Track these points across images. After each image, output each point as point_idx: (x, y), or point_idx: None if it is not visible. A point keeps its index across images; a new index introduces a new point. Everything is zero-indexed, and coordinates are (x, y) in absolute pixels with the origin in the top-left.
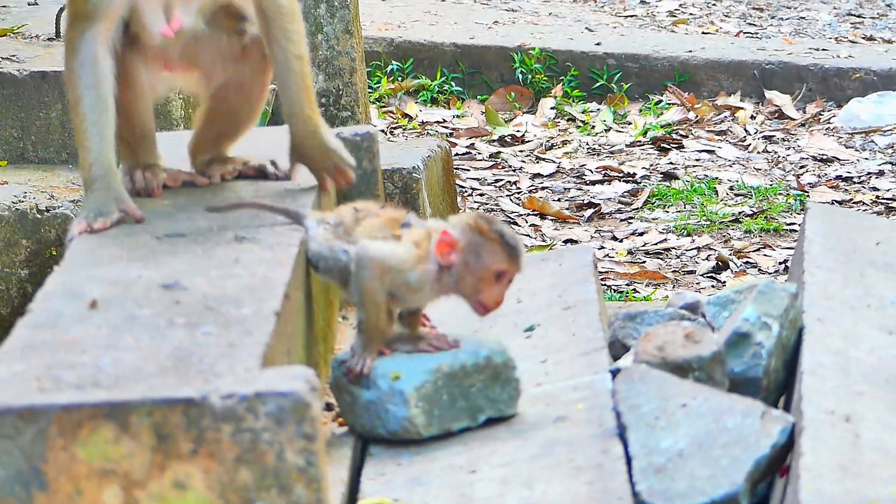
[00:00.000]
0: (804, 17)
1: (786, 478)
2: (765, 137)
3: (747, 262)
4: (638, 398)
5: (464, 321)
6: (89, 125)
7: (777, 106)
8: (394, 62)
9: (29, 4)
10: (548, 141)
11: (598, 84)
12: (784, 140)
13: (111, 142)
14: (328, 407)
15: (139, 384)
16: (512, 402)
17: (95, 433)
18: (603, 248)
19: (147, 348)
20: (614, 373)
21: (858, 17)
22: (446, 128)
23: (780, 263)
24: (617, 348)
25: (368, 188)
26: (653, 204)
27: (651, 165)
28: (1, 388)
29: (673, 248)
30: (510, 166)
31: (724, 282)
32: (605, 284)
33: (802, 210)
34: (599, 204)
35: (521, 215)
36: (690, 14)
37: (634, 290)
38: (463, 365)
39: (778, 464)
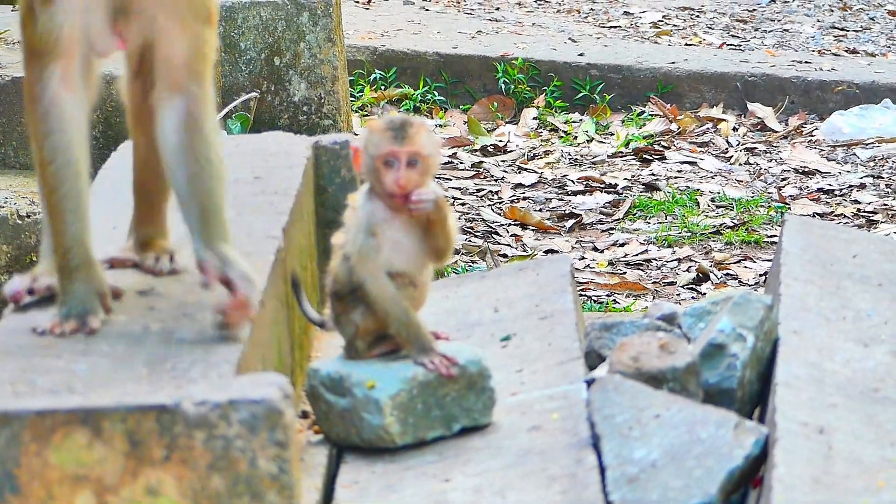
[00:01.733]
0: (787, 30)
1: (759, 489)
2: (747, 149)
3: (727, 274)
4: (612, 408)
5: (438, 329)
6: (62, 199)
7: (759, 118)
8: (377, 71)
9: (12, 10)
10: (530, 151)
11: (580, 95)
12: (766, 152)
13: (87, 219)
14: (304, 414)
15: (113, 390)
16: (487, 411)
17: (69, 438)
18: (584, 258)
19: (122, 354)
20: (589, 383)
21: (842, 30)
22: None
23: (761, 275)
24: (593, 358)
25: (346, 196)
26: (634, 215)
27: (633, 176)
28: None
29: (653, 259)
30: (492, 176)
31: (705, 293)
32: (585, 295)
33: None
34: (581, 214)
35: (503, 225)
36: (674, 25)
37: (615, 300)
38: (438, 374)
39: (751, 475)
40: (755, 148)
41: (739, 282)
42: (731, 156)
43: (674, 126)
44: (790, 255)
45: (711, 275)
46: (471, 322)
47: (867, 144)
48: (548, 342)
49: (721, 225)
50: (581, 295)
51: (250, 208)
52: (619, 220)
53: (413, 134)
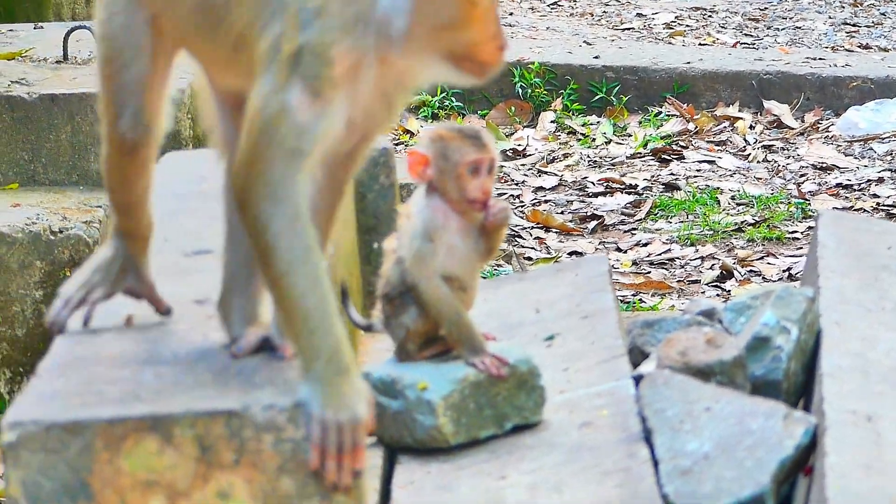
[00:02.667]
0: (800, 27)
1: (810, 477)
2: (764, 147)
3: (751, 271)
4: (662, 402)
5: (483, 330)
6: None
7: (776, 115)
8: None
9: (35, 28)
10: (549, 154)
11: (597, 97)
12: (783, 149)
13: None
14: None
15: (180, 397)
16: (537, 409)
17: (139, 445)
18: (608, 259)
19: (185, 362)
20: (637, 379)
21: (854, 25)
22: None
23: (784, 271)
24: (636, 355)
25: (386, 202)
26: (655, 215)
27: (652, 177)
28: (45, 403)
29: (677, 258)
30: (512, 180)
31: (729, 290)
32: None
33: (804, 218)
34: (603, 216)
35: (526, 228)
36: (687, 26)
37: (640, 300)
38: (488, 374)
39: (801, 464)
40: (772, 145)
41: (763, 278)
42: (749, 154)
43: (691, 126)
44: (827, 249)
45: (735, 272)
46: (513, 323)
47: (884, 139)
48: (590, 341)
49: (742, 222)
50: None
51: None
52: (640, 220)
53: (489, 142)
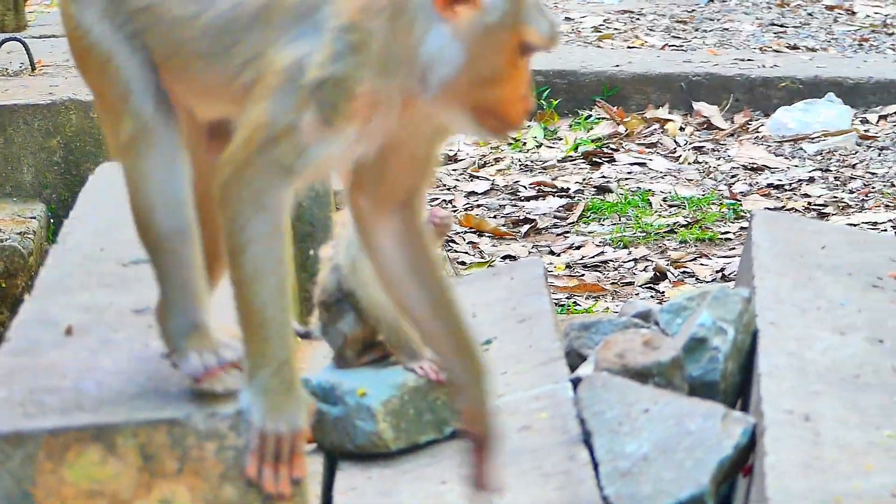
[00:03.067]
0: (728, 29)
1: (749, 477)
2: (695, 148)
3: (684, 272)
4: (601, 405)
5: None
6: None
7: (705, 117)
8: None
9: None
10: (481, 158)
11: None
12: (714, 150)
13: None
14: None
15: (122, 406)
16: None
17: (82, 455)
18: (542, 262)
19: (126, 371)
20: (575, 381)
21: (781, 26)
22: None
23: (717, 272)
24: (573, 358)
25: (322, 209)
26: (588, 218)
27: (584, 180)
28: None
29: (610, 260)
30: (445, 185)
31: (663, 292)
32: None
33: (736, 218)
34: (535, 219)
35: (459, 233)
36: (615, 29)
37: (575, 302)
38: (427, 379)
39: (740, 464)
40: (703, 147)
41: (696, 279)
42: (680, 155)
43: (621, 128)
44: (761, 249)
45: (668, 273)
46: None
47: (813, 138)
48: (528, 344)
49: (675, 224)
50: None
51: None
52: (573, 223)
53: None
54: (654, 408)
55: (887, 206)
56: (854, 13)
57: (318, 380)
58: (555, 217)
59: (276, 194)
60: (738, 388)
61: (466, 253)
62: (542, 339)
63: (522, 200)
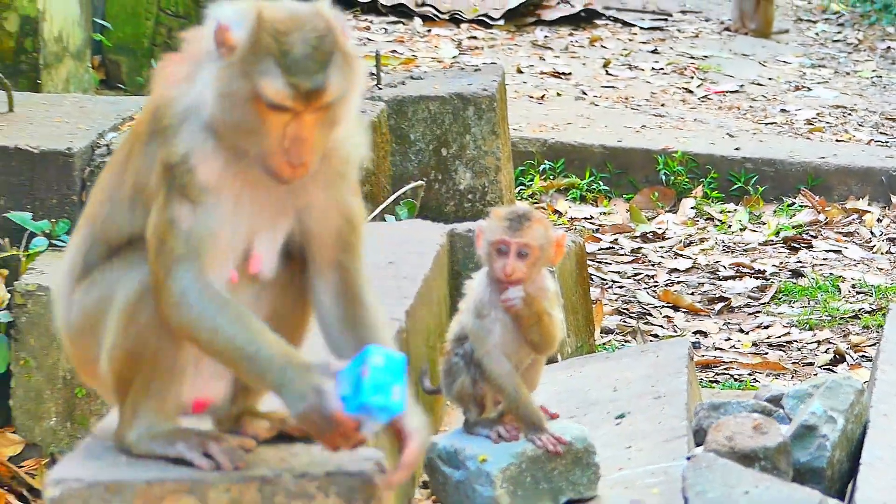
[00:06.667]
0: None
1: None
2: (889, 239)
3: (863, 356)
4: (704, 484)
5: (558, 406)
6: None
7: None
8: (546, 161)
9: None
10: (686, 238)
11: (735, 186)
12: None
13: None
14: (424, 485)
15: None
16: (592, 485)
17: None
18: (729, 339)
19: None
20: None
21: None
22: (593, 224)
23: None
24: (701, 436)
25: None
26: (780, 299)
27: (781, 263)
28: (91, 462)
29: (795, 340)
30: (650, 261)
31: (839, 374)
32: (727, 373)
33: None
34: (730, 298)
35: (656, 307)
36: (826, 122)
37: (755, 379)
38: (546, 450)
39: None
40: None
41: (872, 363)
42: (874, 245)
43: (821, 217)
44: (889, 342)
45: (847, 356)
46: (590, 400)
47: None
48: (658, 421)
49: (860, 310)
50: (723, 373)
51: (381, 291)
52: (765, 303)
53: (528, 227)
54: (755, 491)
55: None
56: None
57: (443, 444)
58: (749, 297)
59: (194, 287)
60: (845, 476)
61: (661, 326)
62: (672, 416)
63: (720, 279)
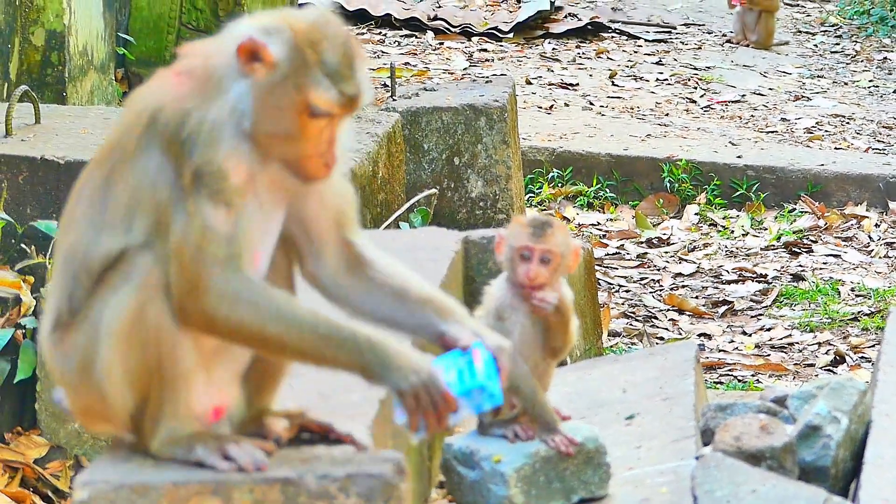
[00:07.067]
0: None
1: None
2: (887, 244)
3: (862, 357)
4: (712, 483)
5: (569, 408)
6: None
7: None
8: (555, 170)
9: None
10: (690, 244)
11: (738, 193)
12: None
13: None
14: (441, 485)
15: None
16: (603, 484)
17: None
18: (733, 341)
19: None
20: (699, 459)
21: None
22: (600, 230)
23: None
24: (708, 436)
25: None
26: (781, 302)
27: (782, 267)
28: (119, 465)
29: (796, 342)
30: (655, 266)
31: (841, 374)
32: (731, 375)
33: None
34: (733, 301)
35: (662, 310)
36: (825, 131)
37: (757, 380)
38: (558, 451)
39: None
40: (894, 242)
41: (873, 364)
42: (872, 249)
43: (821, 222)
44: (890, 344)
45: (847, 357)
46: (600, 402)
47: None
48: (666, 421)
49: (859, 312)
50: (727, 375)
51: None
52: (767, 307)
53: (551, 234)
54: (762, 489)
55: None
56: None
57: (459, 445)
58: (751, 300)
59: (236, 285)
60: (849, 474)
61: (666, 329)
62: (679, 417)
63: (724, 283)
